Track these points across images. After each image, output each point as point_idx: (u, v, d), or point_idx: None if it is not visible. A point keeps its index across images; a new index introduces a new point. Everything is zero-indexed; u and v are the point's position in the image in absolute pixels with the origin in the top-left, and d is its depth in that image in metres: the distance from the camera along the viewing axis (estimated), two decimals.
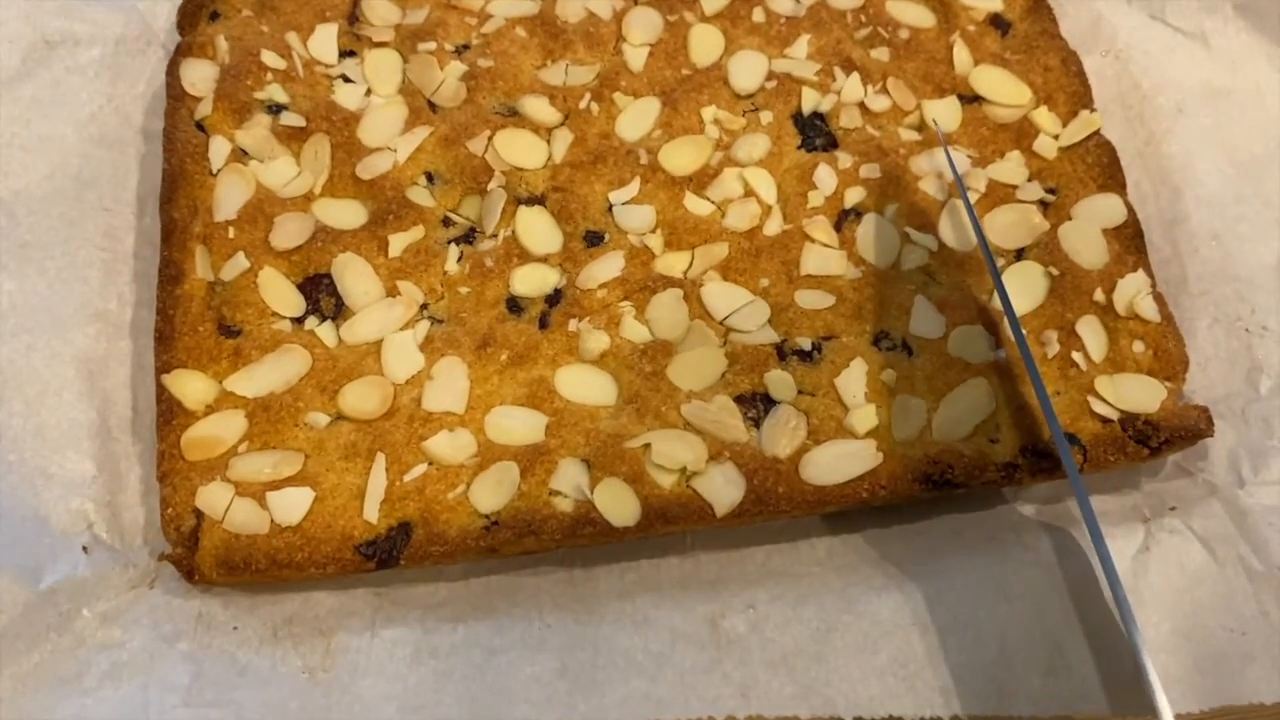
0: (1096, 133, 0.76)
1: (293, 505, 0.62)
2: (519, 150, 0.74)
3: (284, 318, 0.68)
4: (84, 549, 0.63)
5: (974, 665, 0.60)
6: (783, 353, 0.68)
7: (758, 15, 0.80)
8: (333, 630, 0.61)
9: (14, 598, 0.59)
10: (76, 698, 0.57)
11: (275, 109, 0.75)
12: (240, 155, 0.73)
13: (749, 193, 0.73)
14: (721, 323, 0.68)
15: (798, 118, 0.76)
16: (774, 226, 0.72)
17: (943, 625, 0.61)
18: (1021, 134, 0.77)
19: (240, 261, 0.69)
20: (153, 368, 0.68)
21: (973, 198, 0.73)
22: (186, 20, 0.79)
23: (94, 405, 0.67)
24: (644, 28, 0.79)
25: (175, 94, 0.75)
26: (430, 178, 0.73)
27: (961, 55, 0.79)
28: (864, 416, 0.65)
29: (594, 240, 0.71)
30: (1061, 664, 0.61)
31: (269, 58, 0.76)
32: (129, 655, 0.59)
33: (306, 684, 0.58)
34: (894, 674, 0.60)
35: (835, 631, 0.61)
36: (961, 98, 0.78)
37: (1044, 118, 0.77)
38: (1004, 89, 0.78)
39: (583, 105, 0.76)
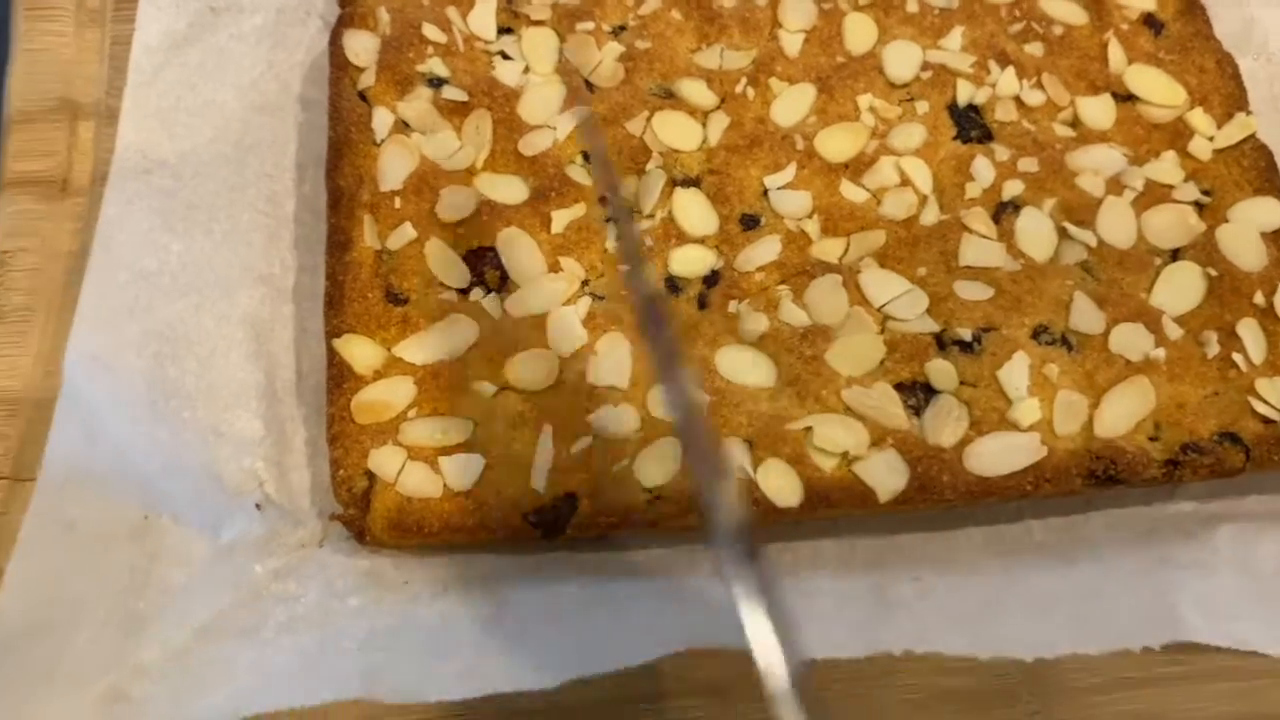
0: (1252, 136, 0.76)
1: (465, 470, 0.63)
2: (675, 132, 0.75)
3: (450, 288, 0.69)
4: (257, 506, 0.64)
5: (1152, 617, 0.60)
6: (942, 342, 0.68)
7: (911, 5, 0.80)
8: (499, 586, 0.62)
9: (196, 551, 0.61)
10: (257, 648, 0.58)
11: (436, 82, 0.76)
12: (402, 127, 0.74)
13: (905, 181, 0.74)
14: (879, 310, 0.69)
15: (953, 109, 0.77)
16: (931, 216, 0.72)
17: (1114, 592, 0.61)
18: (1176, 135, 0.77)
19: (407, 231, 0.70)
20: (315, 332, 0.69)
21: (1129, 196, 0.73)
22: None
23: (261, 367, 0.69)
24: (799, 14, 0.79)
25: (339, 63, 0.76)
26: (587, 157, 0.74)
27: (1116, 54, 0.79)
28: (1028, 409, 0.65)
29: (750, 224, 0.72)
30: None
31: (430, 31, 0.77)
32: (304, 609, 0.61)
33: (480, 633, 0.59)
34: (1070, 629, 0.59)
35: (1005, 598, 0.61)
36: (1115, 96, 0.78)
37: (1199, 119, 0.77)
38: (1159, 89, 0.78)
39: (738, 90, 0.76)
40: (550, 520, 0.63)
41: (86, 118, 0.79)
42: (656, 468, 0.64)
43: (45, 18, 0.82)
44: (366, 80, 0.75)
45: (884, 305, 0.69)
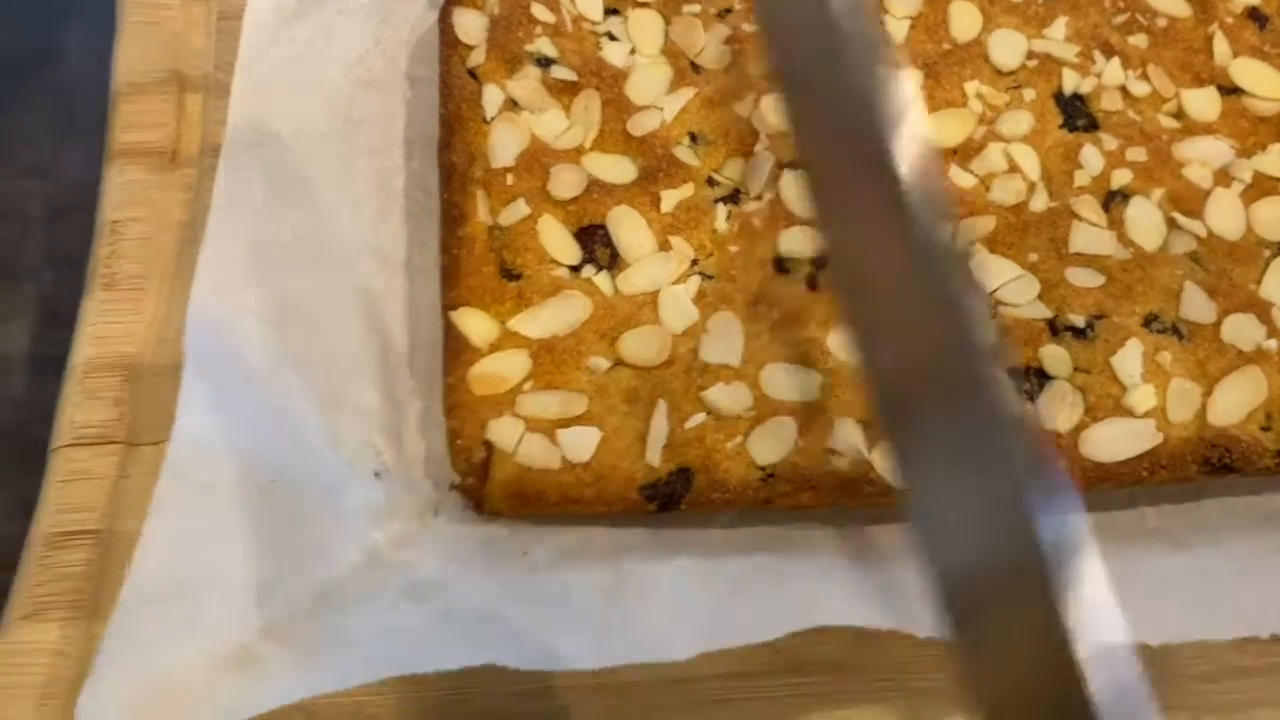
0: None
1: (582, 443, 0.64)
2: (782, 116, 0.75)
3: (562, 265, 0.70)
4: (376, 475, 0.65)
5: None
6: (1055, 328, 0.68)
7: None
8: (618, 558, 0.63)
9: (321, 517, 0.61)
10: (381, 613, 0.59)
11: (544, 62, 0.76)
12: (512, 105, 0.75)
13: (1013, 168, 0.74)
14: (991, 294, 0.69)
15: (1059, 97, 0.77)
16: (1040, 203, 0.72)
17: (1233, 576, 0.61)
18: None
19: (520, 208, 0.71)
20: (426, 306, 0.70)
21: (1237, 189, 0.73)
22: None
23: (375, 338, 0.69)
24: (904, 1, 0.80)
25: (449, 41, 0.77)
26: (694, 138, 0.74)
27: (1220, 46, 0.79)
28: (1143, 396, 0.65)
29: None
30: None
31: (538, 10, 0.77)
32: (425, 575, 0.61)
33: (601, 603, 0.60)
34: (1192, 614, 0.59)
35: (1124, 582, 0.60)
36: (1220, 89, 0.78)
37: None
38: (1264, 82, 0.78)
39: None
40: (665, 494, 0.64)
41: (194, 90, 0.80)
42: (770, 445, 0.64)
43: None
44: (476, 58, 0.76)
45: (995, 290, 0.69)
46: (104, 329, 0.71)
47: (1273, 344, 0.68)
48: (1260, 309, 0.69)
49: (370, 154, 0.76)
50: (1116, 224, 0.72)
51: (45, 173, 0.89)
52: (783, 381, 0.66)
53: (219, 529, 0.58)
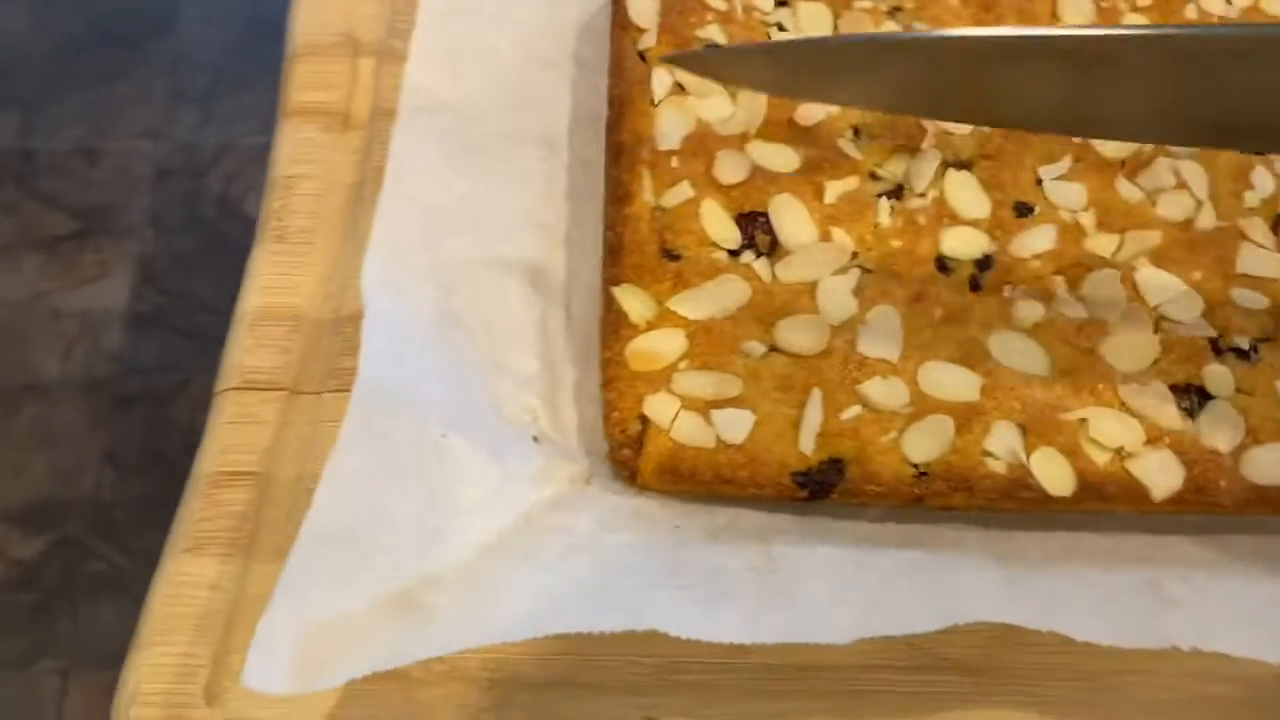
0: None
1: (737, 424, 0.64)
2: None
3: (721, 249, 0.71)
4: (534, 439, 0.66)
5: None
6: (1218, 348, 0.67)
7: (1190, 11, 0.79)
8: (770, 540, 0.63)
9: (487, 474, 0.63)
10: (538, 572, 0.60)
11: (714, 49, 0.77)
12: (679, 89, 0.76)
13: (1181, 184, 0.73)
14: (1154, 309, 0.68)
15: None
16: (1207, 221, 0.72)
17: None
18: None
19: (684, 190, 0.71)
20: (584, 280, 0.72)
21: None
22: None
23: (536, 308, 0.71)
24: (1077, 9, 0.79)
25: (621, 23, 0.78)
26: (857, 133, 0.75)
27: None
28: None
29: (1023, 211, 0.72)
30: None
31: None
32: (580, 539, 0.62)
33: (754, 581, 0.60)
34: None
35: None
36: None
37: None
38: None
39: None
40: (818, 482, 0.64)
41: (368, 55, 0.82)
42: (926, 443, 0.64)
43: None
44: (647, 41, 0.77)
45: (1159, 305, 0.68)
46: (272, 280, 0.73)
47: None
48: None
49: (538, 130, 0.77)
50: None
51: (156, 134, 0.92)
52: (941, 380, 0.66)
53: (394, 477, 0.60)
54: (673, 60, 0.72)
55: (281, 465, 0.68)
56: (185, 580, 0.65)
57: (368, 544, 0.57)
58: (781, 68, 0.67)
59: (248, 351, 0.71)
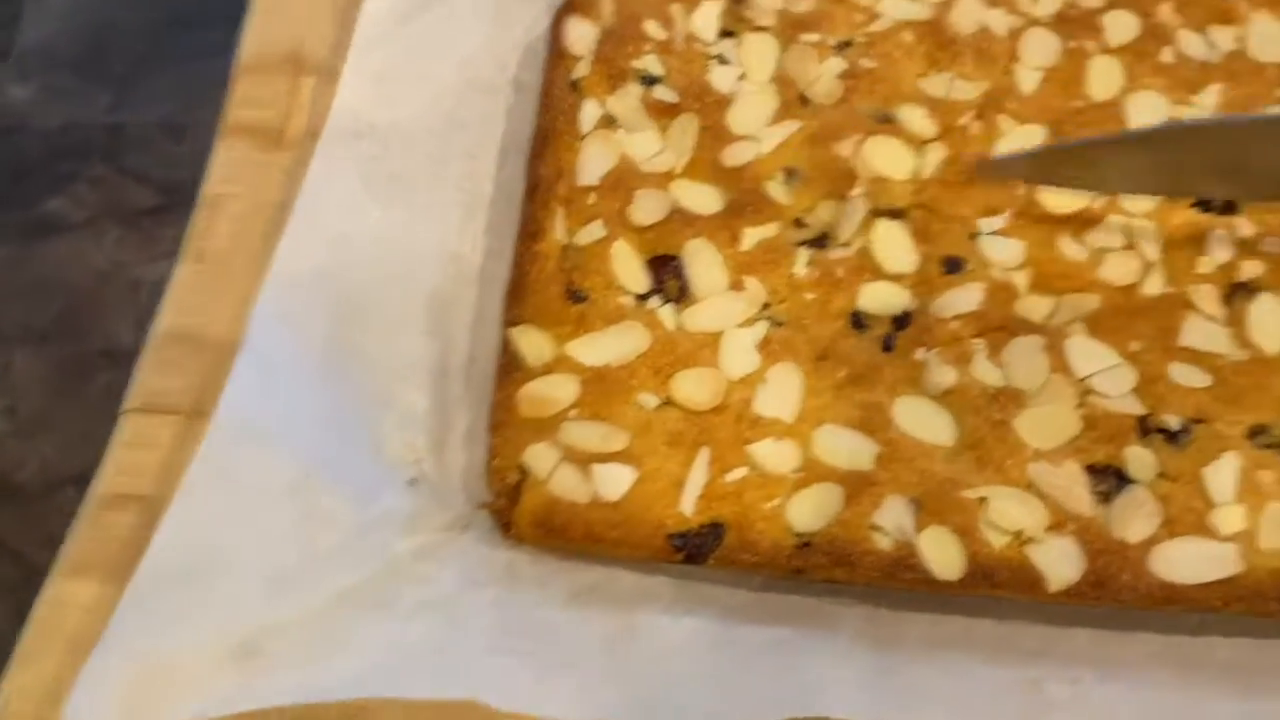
0: None
1: (616, 480, 0.62)
2: (887, 159, 0.71)
3: (629, 293, 0.68)
4: (410, 482, 0.65)
5: None
6: (1146, 427, 0.62)
7: (1166, 55, 0.74)
8: (634, 606, 0.61)
9: (346, 518, 0.62)
10: (390, 624, 0.59)
11: (649, 80, 0.74)
12: (608, 122, 0.73)
13: (1130, 245, 0.68)
14: (1081, 381, 0.64)
15: None
16: (1154, 287, 0.66)
17: None
18: None
19: (597, 229, 0.69)
20: (493, 318, 0.69)
21: None
22: None
23: (436, 345, 0.69)
24: (1040, 50, 0.74)
25: (556, 50, 0.76)
26: (789, 175, 0.71)
27: None
28: (1230, 516, 0.59)
29: (953, 267, 0.68)
30: None
31: (650, 27, 0.76)
32: (439, 592, 0.61)
33: (606, 651, 0.58)
34: None
35: (1170, 717, 0.56)
36: None
37: None
38: None
39: (962, 123, 0.72)
40: (695, 546, 0.61)
41: (309, 74, 0.81)
42: (811, 512, 0.61)
43: None
44: (581, 70, 0.75)
45: (1087, 377, 0.64)
46: (187, 300, 0.73)
47: None
48: None
49: (465, 157, 0.76)
50: (1236, 320, 0.65)
51: None
52: (836, 445, 0.63)
53: (242, 517, 0.59)
54: (994, 168, 0.69)
55: (171, 490, 0.68)
56: (63, 602, 0.65)
57: (207, 587, 0.57)
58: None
59: (153, 373, 0.71)
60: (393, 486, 0.64)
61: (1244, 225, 0.68)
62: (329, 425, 0.64)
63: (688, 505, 0.62)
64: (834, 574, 0.60)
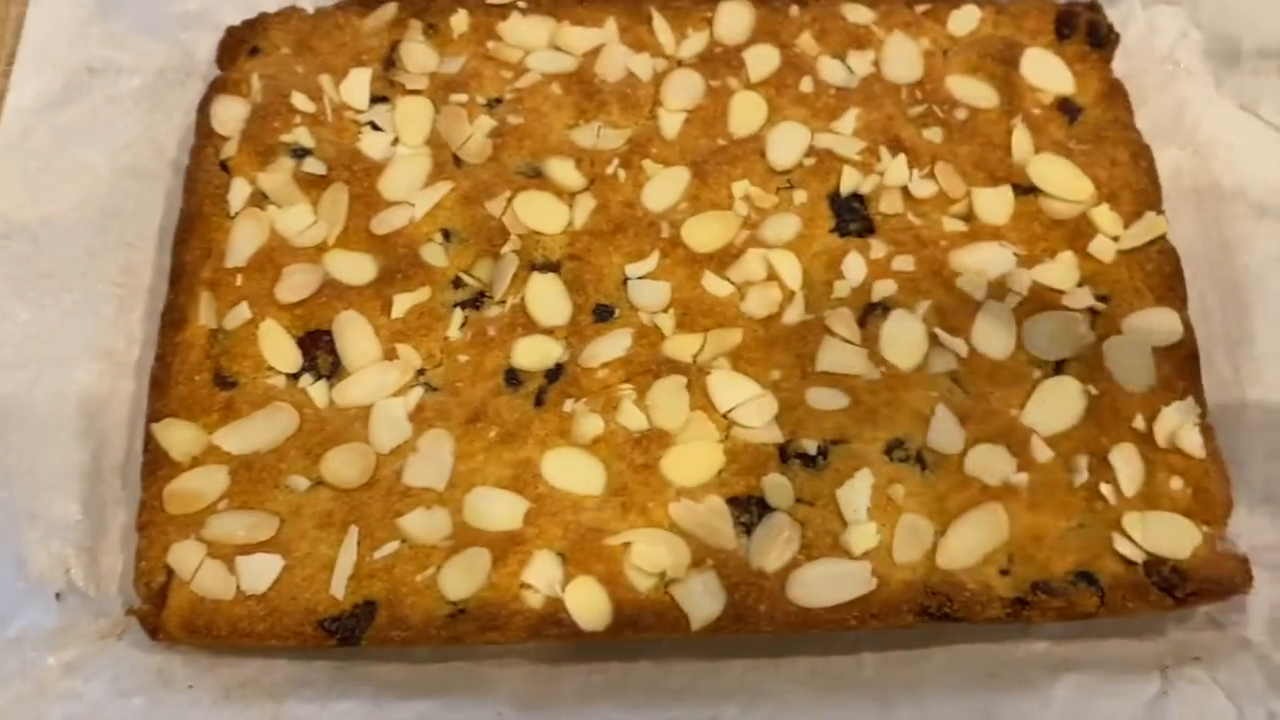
0: (1161, 238, 0.71)
1: (261, 572, 0.61)
2: (538, 214, 0.71)
3: (279, 373, 0.67)
4: (57, 596, 0.63)
5: None
6: (785, 454, 0.64)
7: (806, 85, 0.76)
8: (285, 697, 0.61)
9: None
10: None
11: (300, 153, 0.74)
12: (260, 199, 0.72)
13: (772, 276, 0.69)
14: (725, 415, 0.65)
15: (834, 198, 0.72)
16: (794, 315, 0.68)
17: None
18: (1077, 233, 0.71)
19: (244, 311, 0.68)
20: None
21: (1013, 301, 0.68)
22: (226, 54, 0.78)
23: (89, 446, 0.67)
24: (683, 92, 0.76)
25: (204, 132, 0.75)
26: (446, 235, 0.71)
27: (1021, 141, 0.74)
28: (863, 535, 0.61)
29: (603, 314, 0.68)
30: None
31: (299, 100, 0.75)
32: (84, 708, 0.59)
33: None
34: None
35: None
36: (1016, 188, 0.73)
37: (1104, 216, 0.72)
38: (1063, 181, 0.73)
39: (610, 170, 0.73)
40: (347, 629, 0.60)
41: None
42: (462, 579, 0.61)
43: None
44: (229, 149, 0.74)
45: (730, 411, 0.65)
46: None
47: (1022, 478, 0.63)
48: (1016, 438, 0.64)
49: (121, 247, 0.74)
50: (871, 340, 0.67)
51: None
52: (485, 508, 0.63)
53: None
54: None
55: None
56: None
57: None
58: None
59: None
60: (38, 602, 0.62)
61: (878, 246, 0.70)
62: None
63: (338, 588, 0.61)
64: (487, 638, 0.60)
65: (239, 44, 0.78)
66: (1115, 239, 0.71)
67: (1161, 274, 0.70)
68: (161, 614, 0.61)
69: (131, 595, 0.64)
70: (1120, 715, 0.59)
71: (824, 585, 0.60)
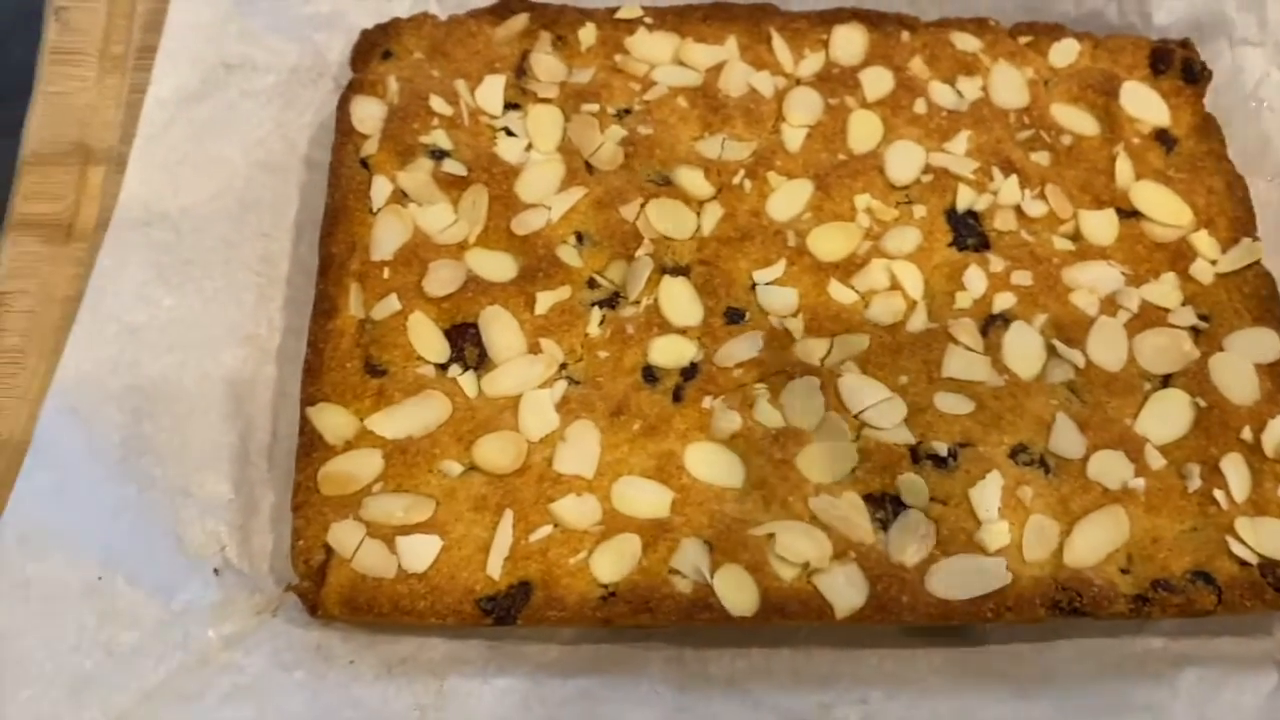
0: (1257, 262, 0.75)
1: (421, 552, 0.63)
2: (669, 220, 0.74)
3: (428, 363, 0.70)
4: (215, 571, 0.64)
5: None
6: (917, 455, 0.67)
7: (919, 106, 0.80)
8: (445, 673, 0.62)
9: (147, 614, 0.61)
10: (197, 716, 0.58)
11: (438, 154, 0.76)
12: (400, 197, 0.75)
13: (895, 286, 0.73)
14: (856, 416, 0.68)
15: (951, 214, 0.76)
16: (918, 323, 0.72)
17: None
18: (1178, 256, 0.75)
19: (392, 303, 0.71)
20: (295, 396, 0.70)
21: (1124, 317, 0.72)
22: (360, 56, 0.81)
23: (236, 428, 0.69)
24: (804, 108, 0.79)
25: (344, 129, 0.77)
26: (580, 238, 0.74)
27: (1124, 168, 0.78)
28: (997, 533, 0.64)
29: (734, 318, 0.72)
30: None
31: (436, 103, 0.78)
32: (248, 679, 0.61)
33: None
34: None
35: None
36: (1120, 212, 0.77)
37: (1203, 241, 0.76)
38: (1165, 207, 0.77)
39: (736, 181, 0.76)
40: (503, 608, 0.63)
41: (98, 163, 0.80)
42: (613, 563, 0.63)
43: (69, 62, 0.83)
44: (369, 148, 0.76)
45: (861, 412, 0.68)
46: None
47: (1140, 483, 0.66)
48: (1132, 445, 0.68)
49: (259, 237, 0.76)
50: (994, 349, 0.71)
51: None
52: (633, 496, 0.65)
53: (35, 624, 0.58)
54: None
55: None
56: None
57: (6, 700, 0.56)
58: None
59: None
60: (197, 577, 0.64)
61: (995, 261, 0.74)
62: (125, 522, 0.63)
63: (494, 568, 0.63)
64: (638, 620, 0.63)
65: (372, 47, 0.81)
66: (1214, 262, 0.75)
67: (1258, 296, 0.74)
68: (321, 591, 0.63)
69: (282, 574, 0.66)
70: (1244, 704, 0.62)
71: (962, 579, 0.63)
